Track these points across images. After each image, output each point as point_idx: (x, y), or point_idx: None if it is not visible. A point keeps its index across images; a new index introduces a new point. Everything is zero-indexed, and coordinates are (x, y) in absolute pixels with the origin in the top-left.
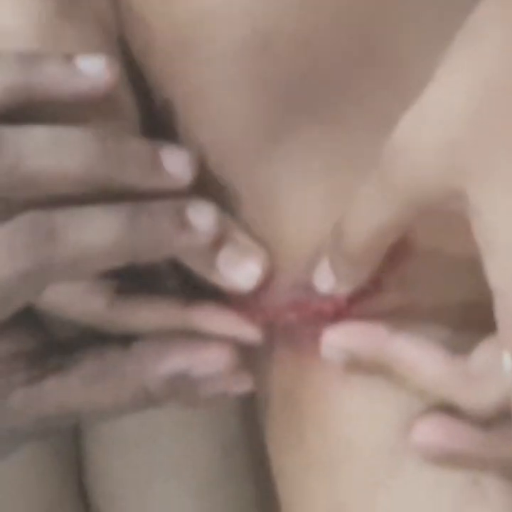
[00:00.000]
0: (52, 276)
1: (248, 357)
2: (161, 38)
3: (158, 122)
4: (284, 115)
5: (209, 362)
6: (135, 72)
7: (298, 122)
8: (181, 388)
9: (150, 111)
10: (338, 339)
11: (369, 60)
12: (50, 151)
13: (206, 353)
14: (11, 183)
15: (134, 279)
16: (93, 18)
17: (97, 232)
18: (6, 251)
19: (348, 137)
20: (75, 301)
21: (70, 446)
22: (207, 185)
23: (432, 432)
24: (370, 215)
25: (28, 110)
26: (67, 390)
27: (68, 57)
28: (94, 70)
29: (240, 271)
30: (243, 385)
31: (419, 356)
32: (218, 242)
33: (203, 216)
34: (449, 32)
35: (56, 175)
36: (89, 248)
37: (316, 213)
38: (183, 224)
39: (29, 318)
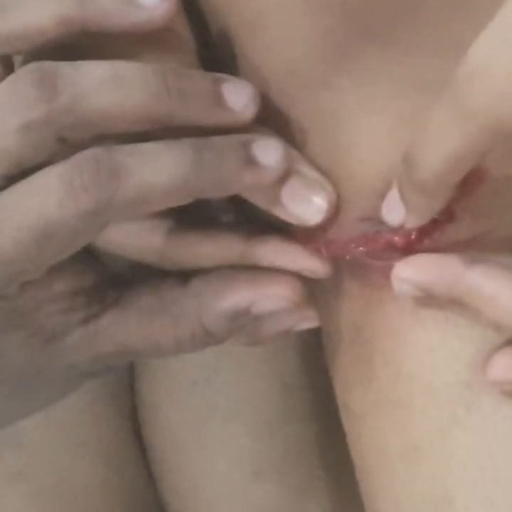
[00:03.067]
0: (114, 215)
1: (315, 291)
2: None
3: (214, 54)
4: (346, 40)
5: (273, 297)
6: (188, 1)
7: (361, 47)
8: (243, 325)
9: (205, 42)
10: (411, 273)
11: None
12: (109, 89)
13: (269, 288)
14: (70, 121)
15: (190, 215)
16: None
17: (160, 169)
18: (67, 191)
19: (415, 62)
20: (132, 238)
21: (125, 389)
22: (269, 118)
23: (510, 365)
24: (443, 143)
25: (84, 45)
26: (124, 327)
27: None
28: (151, 0)
29: (307, 205)
30: (308, 321)
31: (497, 289)
32: (284, 176)
33: (269, 151)
34: None
35: (116, 113)
36: (153, 186)
37: (384, 143)
38: (249, 160)
39: (86, 255)
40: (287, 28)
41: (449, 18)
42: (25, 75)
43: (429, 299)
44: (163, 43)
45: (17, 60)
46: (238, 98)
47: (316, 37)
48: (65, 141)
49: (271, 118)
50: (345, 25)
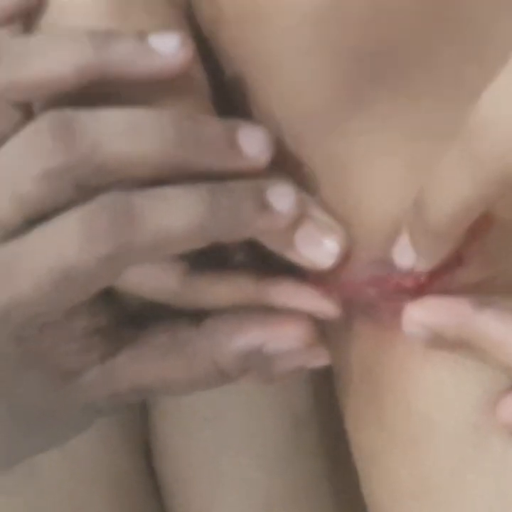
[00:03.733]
0: (132, 259)
1: (326, 330)
2: (232, 6)
3: (228, 98)
4: (360, 86)
5: (284, 337)
6: (203, 46)
7: (374, 93)
8: (255, 364)
9: (219, 87)
10: (421, 315)
11: (448, 27)
12: (126, 137)
13: (281, 329)
14: (88, 169)
15: (203, 255)
16: None
17: (178, 214)
18: (86, 236)
19: (426, 108)
20: (148, 279)
21: (138, 424)
22: (283, 162)
23: None
24: (453, 189)
25: (101, 91)
26: (139, 366)
27: (141, 35)
28: (168, 48)
29: (319, 249)
30: (320, 359)
31: (506, 332)
32: (297, 220)
33: (283, 197)
34: None
35: (133, 160)
36: (170, 230)
37: (395, 187)
38: (264, 205)
39: (104, 294)
40: (300, 73)
41: (461, 65)
42: (44, 123)
43: (438, 341)
44: (179, 88)
45: (36, 106)
46: (253, 144)
47: (329, 83)
48: (83, 187)
49: (284, 162)
50: (359, 71)
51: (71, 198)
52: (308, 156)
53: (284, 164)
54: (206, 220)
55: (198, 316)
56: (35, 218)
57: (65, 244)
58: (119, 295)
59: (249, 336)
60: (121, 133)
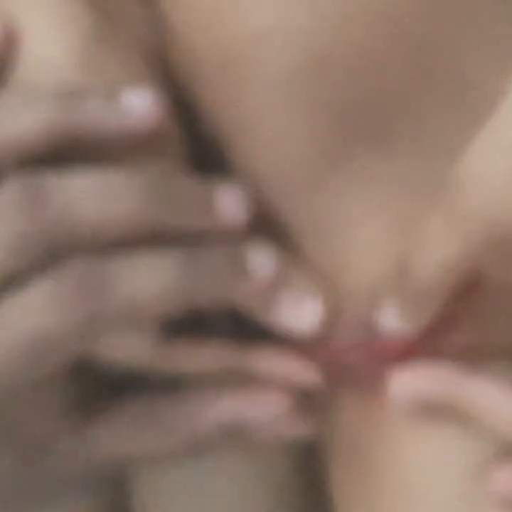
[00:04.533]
0: (104, 326)
1: (308, 398)
2: (208, 60)
3: (206, 154)
4: (341, 142)
5: (263, 406)
6: (179, 101)
7: (356, 149)
8: (235, 433)
9: (197, 142)
10: (407, 381)
11: (430, 83)
12: (97, 199)
13: (260, 397)
14: (58, 233)
15: (181, 321)
16: (134, 42)
17: (152, 279)
18: (55, 303)
19: (409, 165)
20: (122, 345)
21: (117, 495)
22: (264, 220)
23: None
24: (439, 247)
25: (72, 149)
26: (114, 436)
27: (111, 92)
28: (140, 105)
29: (300, 314)
30: (301, 429)
31: (496, 398)
32: (277, 285)
33: (262, 261)
34: None
35: (105, 223)
36: (144, 297)
37: (380, 245)
38: (242, 270)
39: (77, 362)
40: (278, 130)
41: (446, 120)
42: (12, 187)
43: (426, 407)
44: (153, 146)
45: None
46: (230, 204)
47: (310, 140)
48: (53, 252)
49: (267, 221)
50: (339, 129)
51: (41, 262)
52: (291, 213)
53: (267, 223)
54: (181, 285)
55: (176, 382)
56: (4, 283)
57: (34, 314)
58: (93, 362)
59: (227, 405)
60: (92, 196)
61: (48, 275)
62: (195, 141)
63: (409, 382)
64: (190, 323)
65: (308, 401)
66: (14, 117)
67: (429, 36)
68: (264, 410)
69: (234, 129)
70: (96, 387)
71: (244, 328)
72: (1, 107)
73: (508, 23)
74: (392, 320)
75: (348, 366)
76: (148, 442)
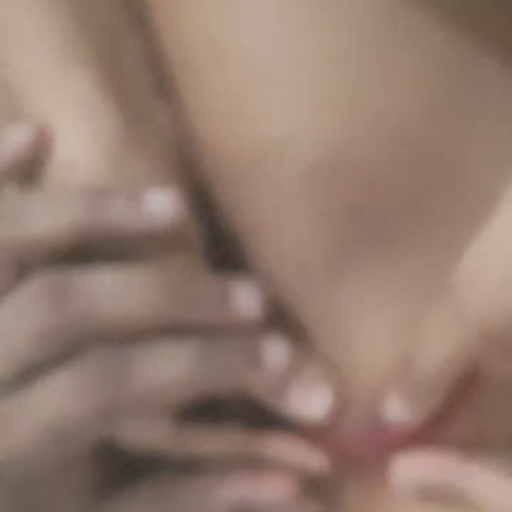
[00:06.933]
0: (123, 412)
1: (316, 483)
2: (227, 163)
3: (224, 250)
4: (351, 245)
5: (271, 491)
6: (200, 199)
7: (365, 252)
8: None
9: (216, 238)
10: (409, 468)
11: (437, 188)
12: (119, 297)
13: (268, 482)
14: (82, 330)
15: (197, 405)
16: (159, 143)
17: (169, 368)
18: (77, 391)
19: (415, 267)
20: (140, 430)
21: None
22: (278, 315)
23: None
24: (439, 343)
25: (94, 246)
26: None
27: (134, 194)
28: (161, 206)
29: (310, 403)
30: None
31: (494, 485)
32: (289, 375)
33: (274, 353)
34: None
35: (125, 319)
36: (161, 384)
37: (386, 343)
38: (256, 361)
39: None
40: (293, 230)
41: (450, 227)
42: (38, 283)
43: (428, 493)
44: (171, 244)
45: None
46: (245, 301)
47: (321, 241)
48: (75, 345)
49: (277, 317)
50: (350, 231)
51: (63, 352)
52: (301, 311)
53: (278, 318)
54: (197, 375)
55: (187, 465)
56: (28, 373)
57: (58, 400)
58: (112, 444)
59: (236, 488)
60: (114, 294)
61: (70, 364)
62: (211, 237)
63: (411, 469)
64: (205, 408)
65: (314, 485)
66: (43, 215)
67: (437, 142)
68: (272, 494)
69: (251, 226)
70: (114, 467)
71: (256, 413)
72: (30, 204)
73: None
74: (396, 411)
75: (353, 453)
76: None
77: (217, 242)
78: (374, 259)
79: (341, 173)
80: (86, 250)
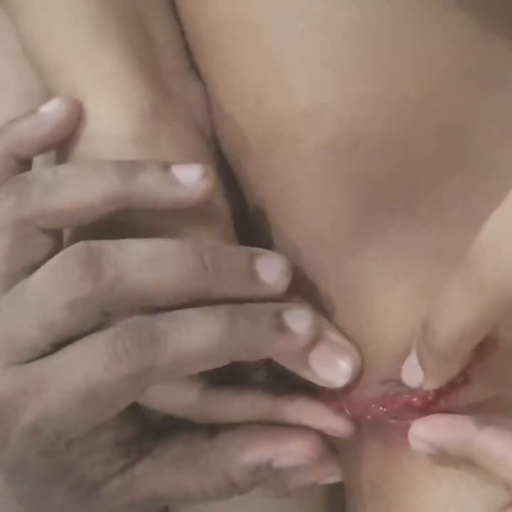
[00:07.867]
0: (154, 378)
1: (336, 447)
2: (252, 136)
3: (250, 221)
4: (371, 213)
5: (293, 453)
6: (226, 172)
7: (385, 220)
8: (266, 478)
9: (242, 211)
10: (426, 432)
11: (456, 158)
12: (150, 267)
13: (290, 445)
14: (114, 298)
15: (223, 371)
16: (187, 118)
17: (198, 336)
18: (111, 356)
19: (434, 234)
20: (168, 395)
21: None
22: (299, 286)
23: None
24: (457, 314)
25: (126, 218)
26: (156, 475)
27: (165, 166)
28: (191, 178)
29: (333, 369)
30: (332, 476)
31: (507, 450)
32: (313, 341)
33: (299, 319)
34: None
35: (156, 290)
36: (190, 351)
37: (404, 310)
38: (281, 327)
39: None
40: (316, 200)
41: (467, 193)
42: (72, 254)
43: (443, 457)
44: (201, 216)
45: (65, 232)
46: (271, 273)
47: (342, 209)
48: (108, 313)
49: (301, 285)
50: (371, 199)
51: (96, 322)
52: (324, 280)
53: (301, 286)
54: (224, 342)
55: (212, 429)
56: (62, 341)
57: (91, 365)
58: (139, 408)
59: (259, 451)
60: (145, 264)
61: (104, 331)
62: (240, 211)
63: (427, 434)
64: (232, 374)
65: (334, 449)
66: (75, 185)
67: (457, 117)
68: (294, 456)
69: (274, 199)
70: (141, 431)
71: (282, 380)
72: (63, 176)
73: None
74: (415, 377)
75: (373, 419)
76: (184, 482)
77: (245, 214)
78: (395, 227)
79: (363, 144)
80: (118, 227)
